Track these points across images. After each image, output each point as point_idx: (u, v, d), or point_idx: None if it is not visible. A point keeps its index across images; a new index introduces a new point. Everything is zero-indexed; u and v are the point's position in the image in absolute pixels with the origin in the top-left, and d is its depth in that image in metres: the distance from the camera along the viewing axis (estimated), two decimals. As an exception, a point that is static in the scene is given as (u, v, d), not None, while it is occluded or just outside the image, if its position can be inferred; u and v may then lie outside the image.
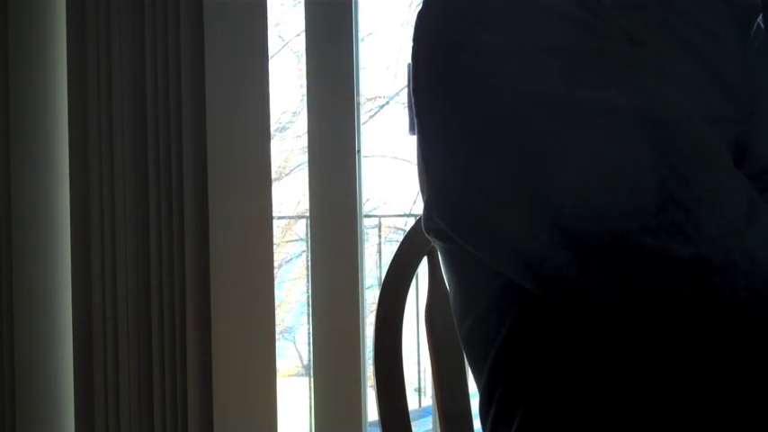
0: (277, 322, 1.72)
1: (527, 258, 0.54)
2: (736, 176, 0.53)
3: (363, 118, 1.99)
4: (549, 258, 0.53)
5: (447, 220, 0.60)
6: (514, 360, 0.64)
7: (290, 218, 3.53)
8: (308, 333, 2.08)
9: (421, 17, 0.60)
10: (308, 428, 2.41)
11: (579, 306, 0.56)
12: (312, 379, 1.78)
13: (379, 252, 2.98)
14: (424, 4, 0.60)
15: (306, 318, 3.33)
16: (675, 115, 0.53)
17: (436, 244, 0.68)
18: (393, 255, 0.91)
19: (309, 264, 1.82)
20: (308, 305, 2.08)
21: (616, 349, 0.59)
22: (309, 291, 1.84)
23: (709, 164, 0.52)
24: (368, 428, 1.79)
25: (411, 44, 0.61)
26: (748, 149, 0.57)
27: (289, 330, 3.88)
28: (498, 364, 0.66)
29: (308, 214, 1.80)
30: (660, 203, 0.50)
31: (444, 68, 0.57)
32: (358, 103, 1.76)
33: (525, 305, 0.62)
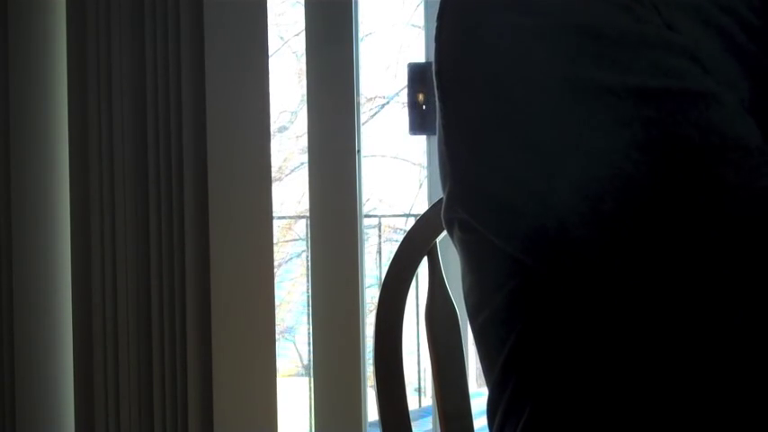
0: (277, 322, 1.72)
1: (548, 238, 0.54)
2: None
3: (363, 118, 1.99)
4: (571, 237, 0.52)
5: (468, 206, 0.59)
6: (529, 355, 0.64)
7: (290, 218, 3.53)
8: (308, 333, 2.08)
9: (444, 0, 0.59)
10: (308, 428, 2.42)
11: (601, 286, 0.55)
12: (312, 379, 1.78)
13: (379, 252, 2.98)
14: None
15: (306, 318, 3.34)
16: (715, 97, 0.51)
17: (454, 237, 0.67)
18: (393, 255, 0.91)
19: (309, 264, 1.82)
20: (308, 305, 2.08)
21: (630, 344, 0.58)
22: (309, 291, 1.84)
23: (750, 147, 0.51)
24: (368, 428, 1.79)
25: (435, 23, 0.60)
26: None
27: (289, 330, 3.88)
28: (512, 359, 0.65)
29: (307, 214, 1.80)
30: (703, 179, 0.49)
31: (464, 53, 0.56)
32: (358, 103, 1.76)
33: (541, 299, 0.62)
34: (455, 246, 0.70)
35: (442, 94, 0.59)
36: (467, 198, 0.59)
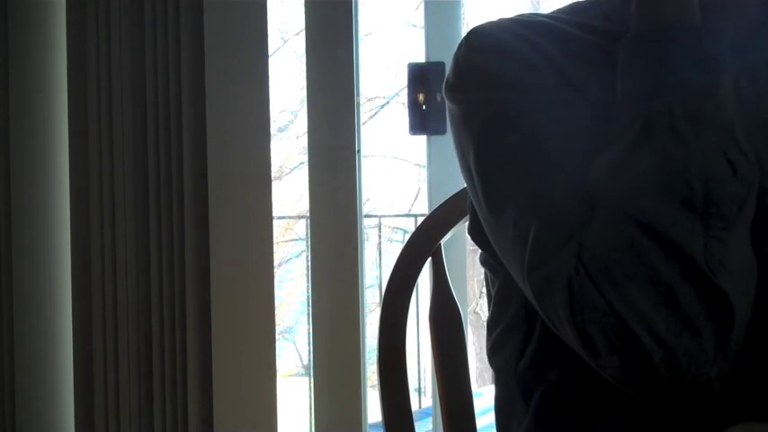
0: (277, 322, 1.72)
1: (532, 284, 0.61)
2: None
3: (363, 118, 1.99)
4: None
5: (474, 239, 0.72)
6: (540, 370, 0.67)
7: (290, 218, 3.53)
8: (308, 333, 2.07)
9: (448, 76, 0.74)
10: (308, 428, 2.41)
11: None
12: (312, 379, 1.78)
13: (379, 252, 2.98)
14: (453, 61, 0.73)
15: (306, 318, 3.33)
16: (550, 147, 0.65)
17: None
18: (397, 255, 0.91)
19: (309, 264, 1.82)
20: (308, 305, 2.07)
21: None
22: (309, 291, 1.84)
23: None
24: (368, 429, 1.79)
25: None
26: None
27: (289, 330, 3.88)
28: (524, 374, 0.69)
29: (307, 214, 1.80)
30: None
31: (454, 126, 0.72)
32: (358, 103, 1.76)
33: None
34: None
35: (474, 161, 0.70)
36: (470, 229, 0.74)
